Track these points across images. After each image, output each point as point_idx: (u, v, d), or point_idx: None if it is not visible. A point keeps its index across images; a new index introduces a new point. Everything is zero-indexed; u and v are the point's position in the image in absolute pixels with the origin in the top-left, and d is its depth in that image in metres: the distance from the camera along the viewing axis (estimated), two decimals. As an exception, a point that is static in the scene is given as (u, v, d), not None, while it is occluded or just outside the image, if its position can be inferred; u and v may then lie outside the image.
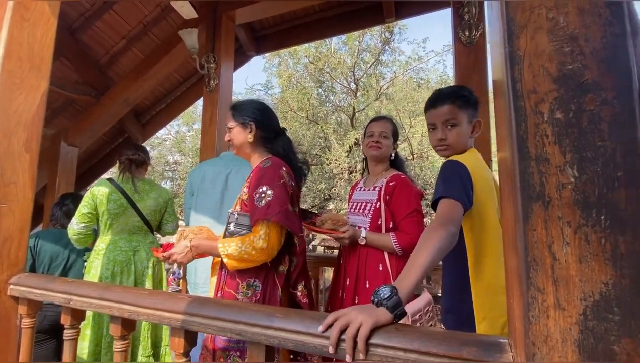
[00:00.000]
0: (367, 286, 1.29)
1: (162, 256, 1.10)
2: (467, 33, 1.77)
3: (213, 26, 2.54)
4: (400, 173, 1.41)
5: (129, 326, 0.90)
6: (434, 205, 0.95)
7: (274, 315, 0.68)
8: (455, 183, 0.93)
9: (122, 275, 1.69)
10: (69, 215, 2.05)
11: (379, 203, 1.34)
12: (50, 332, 1.84)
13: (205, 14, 2.55)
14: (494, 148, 1.84)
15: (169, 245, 1.11)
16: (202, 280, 1.73)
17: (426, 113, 1.11)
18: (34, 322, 1.11)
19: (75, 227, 1.73)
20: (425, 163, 6.49)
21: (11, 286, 1.08)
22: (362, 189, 1.47)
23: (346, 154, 6.33)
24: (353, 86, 7.18)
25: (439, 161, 6.56)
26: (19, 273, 1.11)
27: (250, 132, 1.19)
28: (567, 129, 0.44)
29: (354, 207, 1.44)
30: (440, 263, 1.31)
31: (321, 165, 6.50)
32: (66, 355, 1.00)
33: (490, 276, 0.94)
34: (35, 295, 1.05)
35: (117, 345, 0.89)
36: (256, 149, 1.20)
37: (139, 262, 1.75)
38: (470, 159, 1.00)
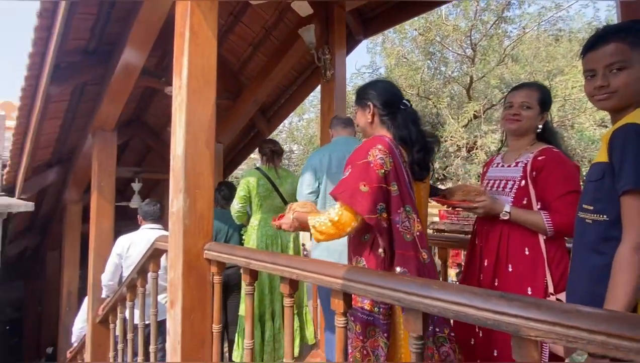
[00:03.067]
0: (510, 269, 1.19)
1: (276, 224, 1.27)
2: (642, -41, 1.37)
3: (326, 18, 2.66)
4: (551, 146, 1.23)
5: (294, 286, 1.09)
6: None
7: (430, 286, 0.72)
8: None
9: (272, 246, 2.04)
10: (226, 198, 2.57)
11: (523, 181, 1.20)
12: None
13: (318, 9, 2.69)
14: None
15: (282, 216, 1.30)
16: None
17: (583, 59, 0.92)
18: (221, 279, 1.46)
19: (235, 207, 2.17)
20: (570, 132, 5.30)
21: (206, 252, 1.43)
22: (500, 165, 1.34)
23: (463, 129, 5.73)
24: (469, 52, 6.32)
25: (589, 128, 5.26)
26: (209, 242, 1.46)
27: (369, 113, 1.23)
28: None
29: (490, 185, 1.33)
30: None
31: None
32: (248, 306, 1.29)
33: None
34: (222, 258, 1.37)
35: (287, 301, 1.10)
36: (376, 129, 1.23)
37: (283, 237, 2.09)
38: None
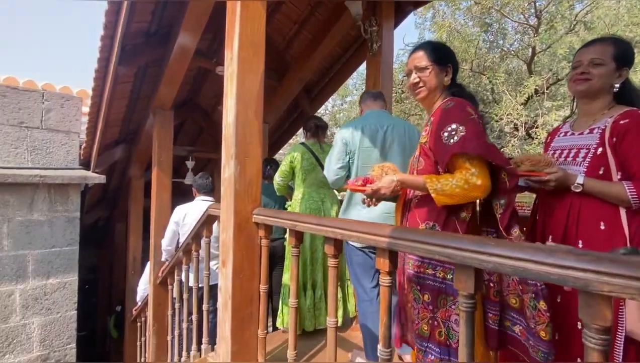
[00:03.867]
0: (580, 245, 1.07)
1: (371, 189, 1.15)
2: None
3: (373, -11, 2.56)
4: (635, 108, 1.07)
5: (338, 247, 1.11)
6: None
7: (486, 242, 0.69)
8: None
9: (316, 213, 2.09)
10: (276, 172, 2.67)
11: (600, 148, 1.07)
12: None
13: (365, -22, 2.60)
14: None
15: (368, 180, 1.20)
16: None
17: None
18: (268, 242, 1.53)
19: (277, 179, 2.28)
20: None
21: (254, 216, 1.51)
22: (570, 133, 1.20)
23: (522, 106, 5.18)
24: (533, 20, 5.64)
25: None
26: (257, 207, 1.54)
27: (446, 75, 1.17)
28: None
29: (558, 155, 1.20)
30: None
31: (487, 123, 5.61)
32: (293, 267, 1.34)
33: None
34: (270, 221, 1.43)
35: (332, 262, 1.12)
36: (443, 93, 1.18)
37: (326, 210, 2.12)
38: None
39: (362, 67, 3.55)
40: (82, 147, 3.64)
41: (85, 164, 3.69)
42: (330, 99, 10.56)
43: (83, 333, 5.45)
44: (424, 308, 1.04)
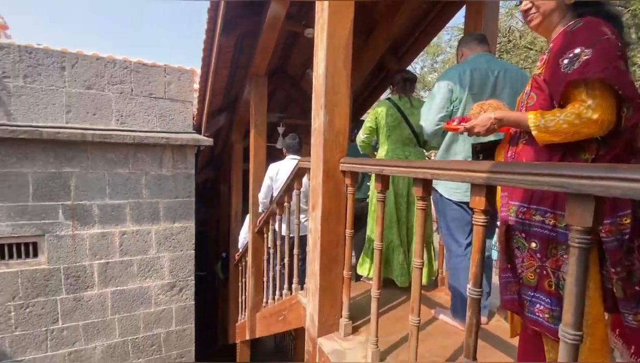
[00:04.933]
0: None
1: (464, 127, 1.09)
2: None
3: None
4: None
5: (427, 188, 1.09)
6: None
7: (615, 168, 0.59)
8: None
9: (398, 177, 2.05)
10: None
11: None
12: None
13: None
14: None
15: (465, 119, 1.12)
16: None
17: None
18: (354, 189, 1.58)
19: (361, 137, 2.26)
20: None
21: (341, 164, 1.57)
22: None
23: None
24: None
25: None
26: (344, 156, 1.59)
27: None
28: None
29: None
30: None
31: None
32: (379, 211, 1.37)
33: None
34: (356, 168, 1.47)
35: (419, 204, 1.11)
36: (567, 16, 0.98)
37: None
38: None
39: (455, 21, 3.14)
40: (194, 114, 4.23)
41: (196, 130, 4.29)
42: (419, 60, 9.75)
43: (203, 274, 6.68)
44: (530, 256, 0.95)
